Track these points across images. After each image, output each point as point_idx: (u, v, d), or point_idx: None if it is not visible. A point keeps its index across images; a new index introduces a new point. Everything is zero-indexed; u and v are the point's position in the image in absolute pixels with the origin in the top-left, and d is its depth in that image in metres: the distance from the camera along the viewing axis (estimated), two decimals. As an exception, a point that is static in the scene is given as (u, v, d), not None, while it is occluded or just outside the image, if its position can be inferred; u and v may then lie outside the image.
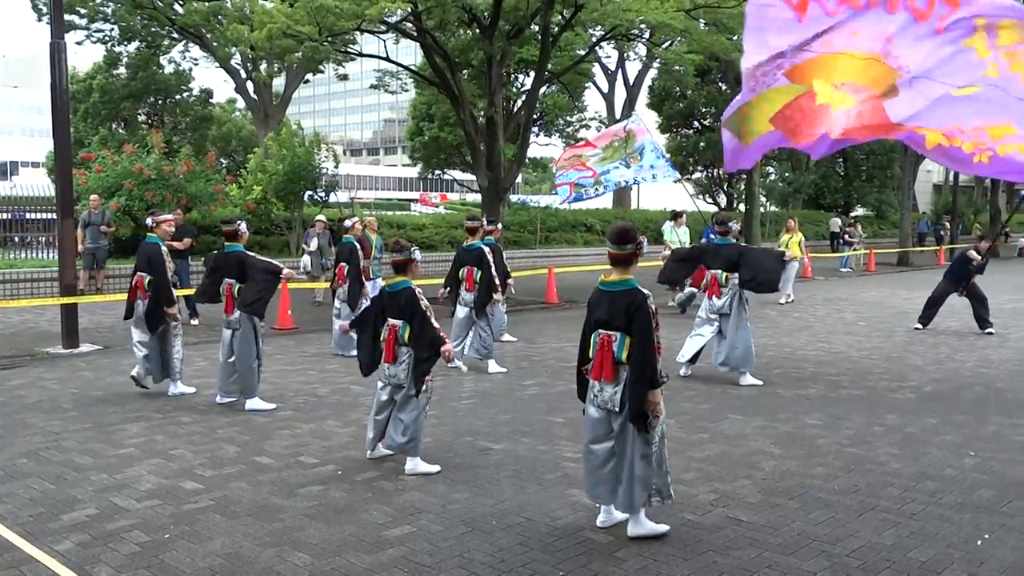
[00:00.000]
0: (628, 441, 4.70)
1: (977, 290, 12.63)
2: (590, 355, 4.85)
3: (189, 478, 5.66)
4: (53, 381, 8.80)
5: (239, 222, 7.91)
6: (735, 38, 17.24)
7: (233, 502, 5.21)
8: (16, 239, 19.36)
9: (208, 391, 8.16)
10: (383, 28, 15.73)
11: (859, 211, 39.54)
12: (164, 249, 8.23)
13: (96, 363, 9.83)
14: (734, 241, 9.12)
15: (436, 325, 5.77)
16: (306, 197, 20.38)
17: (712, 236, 15.70)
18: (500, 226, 10.59)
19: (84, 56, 35.10)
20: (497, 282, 9.78)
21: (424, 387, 5.85)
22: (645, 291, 4.65)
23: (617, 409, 4.70)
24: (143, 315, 8.10)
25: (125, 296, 8.49)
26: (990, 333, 12.52)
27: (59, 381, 8.81)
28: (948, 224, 34.25)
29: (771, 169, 37.24)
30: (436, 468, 5.84)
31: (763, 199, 33.84)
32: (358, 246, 10.74)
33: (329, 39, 13.78)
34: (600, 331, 4.77)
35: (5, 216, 19.05)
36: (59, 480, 5.61)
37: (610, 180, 13.05)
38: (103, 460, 6.05)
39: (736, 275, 8.88)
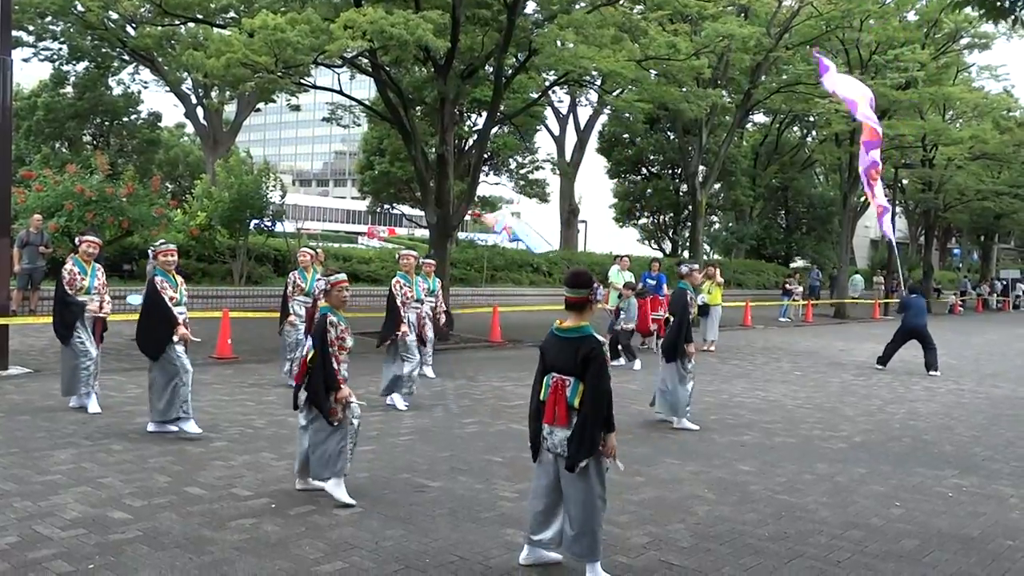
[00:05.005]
0: (580, 487, 4.63)
1: (927, 339, 14.54)
2: (542, 398, 4.77)
3: (117, 507, 5.53)
4: (-21, 404, 8.55)
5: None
6: (684, 89, 17.68)
7: (162, 533, 5.11)
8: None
9: (141, 419, 8.00)
10: (339, 63, 15.78)
11: (799, 262, 40.44)
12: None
13: (25, 387, 9.57)
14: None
15: (335, 367, 5.77)
16: (252, 226, 20.21)
17: (649, 280, 15.97)
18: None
19: (30, 73, 34.56)
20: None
21: (335, 421, 5.81)
22: (600, 338, 4.65)
23: (567, 453, 4.65)
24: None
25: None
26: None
27: (-15, 404, 8.56)
28: (884, 279, 35.19)
29: (716, 218, 38.00)
30: (352, 501, 5.76)
31: (707, 247, 34.46)
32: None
33: (284, 71, 13.78)
34: (554, 375, 4.73)
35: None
36: (-20, 506, 5.44)
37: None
38: (27, 487, 5.89)
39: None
